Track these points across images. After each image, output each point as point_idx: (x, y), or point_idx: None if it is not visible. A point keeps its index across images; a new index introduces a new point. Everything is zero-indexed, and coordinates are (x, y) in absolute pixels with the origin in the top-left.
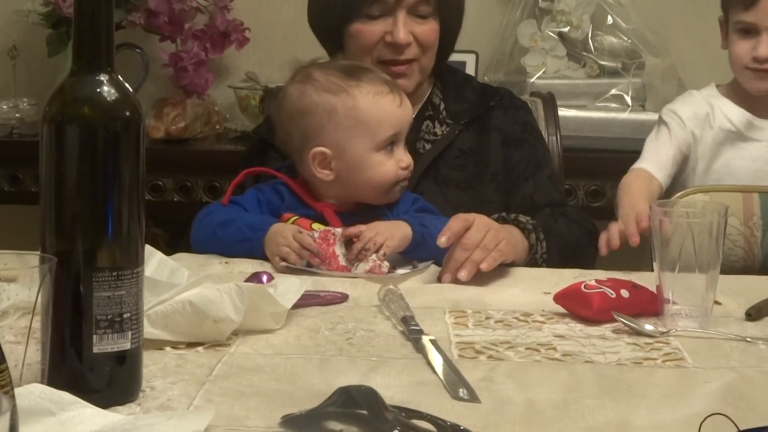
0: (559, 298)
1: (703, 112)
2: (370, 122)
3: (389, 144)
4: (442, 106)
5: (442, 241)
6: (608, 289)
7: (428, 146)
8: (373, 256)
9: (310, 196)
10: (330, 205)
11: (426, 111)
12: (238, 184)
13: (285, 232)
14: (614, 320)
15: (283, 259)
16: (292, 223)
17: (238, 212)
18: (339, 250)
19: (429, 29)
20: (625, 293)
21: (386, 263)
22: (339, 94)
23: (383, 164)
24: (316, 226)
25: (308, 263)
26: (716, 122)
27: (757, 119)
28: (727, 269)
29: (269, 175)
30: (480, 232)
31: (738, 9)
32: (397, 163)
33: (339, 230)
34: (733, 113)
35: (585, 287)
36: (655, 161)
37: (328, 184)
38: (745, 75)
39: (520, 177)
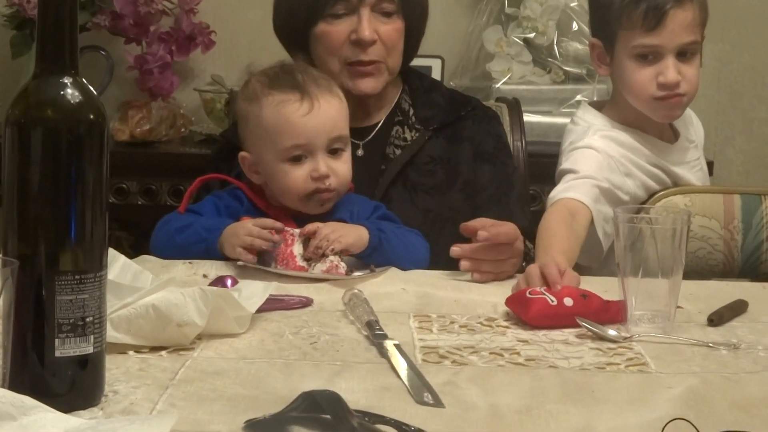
0: (508, 300)
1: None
2: (271, 132)
3: (298, 155)
4: (411, 111)
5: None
6: (550, 296)
7: (398, 152)
8: (331, 257)
9: (265, 201)
10: (284, 210)
11: (395, 116)
12: (195, 191)
13: (245, 224)
14: (553, 327)
15: (248, 248)
16: None
17: (195, 218)
18: (297, 250)
19: (393, 28)
20: (568, 302)
21: (343, 264)
22: (252, 102)
23: (288, 174)
24: None
25: (265, 262)
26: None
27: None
28: (707, 273)
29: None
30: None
31: (637, 32)
32: (308, 174)
33: (297, 231)
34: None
35: (530, 293)
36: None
37: (268, 188)
38: (652, 105)
39: (491, 199)
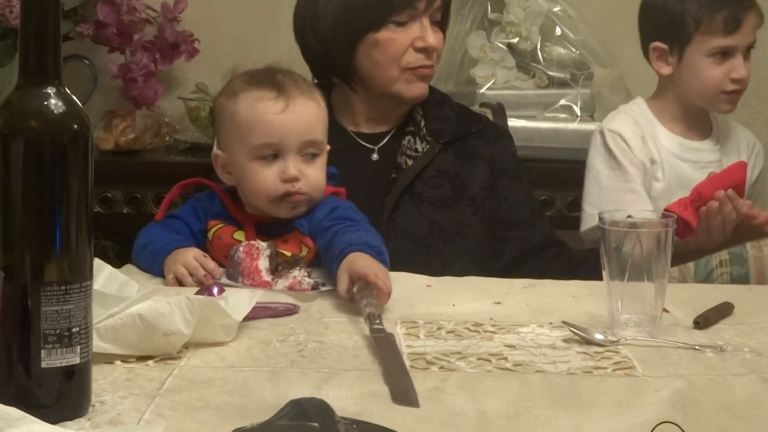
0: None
1: (641, 137)
2: (243, 128)
3: (269, 154)
4: (423, 122)
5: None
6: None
7: (410, 162)
8: (294, 272)
9: (236, 205)
10: (251, 216)
11: (407, 126)
12: (174, 197)
13: (188, 253)
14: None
15: (179, 278)
16: (216, 230)
17: (157, 235)
18: (263, 264)
19: (441, 37)
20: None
21: (308, 280)
22: (230, 98)
23: (258, 174)
24: (237, 235)
25: (233, 277)
26: (652, 148)
27: (687, 141)
28: None
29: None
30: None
31: (716, 35)
32: (278, 175)
33: (264, 244)
34: (667, 142)
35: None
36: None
37: (241, 190)
38: (719, 98)
39: (533, 214)
